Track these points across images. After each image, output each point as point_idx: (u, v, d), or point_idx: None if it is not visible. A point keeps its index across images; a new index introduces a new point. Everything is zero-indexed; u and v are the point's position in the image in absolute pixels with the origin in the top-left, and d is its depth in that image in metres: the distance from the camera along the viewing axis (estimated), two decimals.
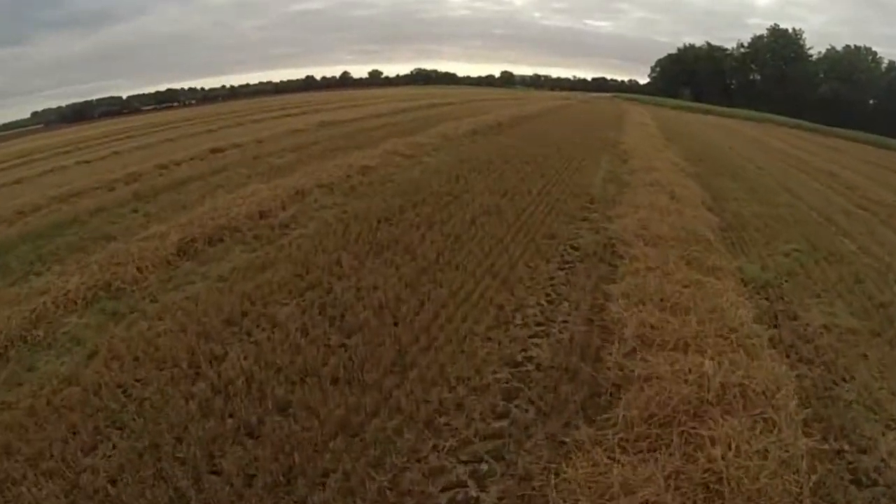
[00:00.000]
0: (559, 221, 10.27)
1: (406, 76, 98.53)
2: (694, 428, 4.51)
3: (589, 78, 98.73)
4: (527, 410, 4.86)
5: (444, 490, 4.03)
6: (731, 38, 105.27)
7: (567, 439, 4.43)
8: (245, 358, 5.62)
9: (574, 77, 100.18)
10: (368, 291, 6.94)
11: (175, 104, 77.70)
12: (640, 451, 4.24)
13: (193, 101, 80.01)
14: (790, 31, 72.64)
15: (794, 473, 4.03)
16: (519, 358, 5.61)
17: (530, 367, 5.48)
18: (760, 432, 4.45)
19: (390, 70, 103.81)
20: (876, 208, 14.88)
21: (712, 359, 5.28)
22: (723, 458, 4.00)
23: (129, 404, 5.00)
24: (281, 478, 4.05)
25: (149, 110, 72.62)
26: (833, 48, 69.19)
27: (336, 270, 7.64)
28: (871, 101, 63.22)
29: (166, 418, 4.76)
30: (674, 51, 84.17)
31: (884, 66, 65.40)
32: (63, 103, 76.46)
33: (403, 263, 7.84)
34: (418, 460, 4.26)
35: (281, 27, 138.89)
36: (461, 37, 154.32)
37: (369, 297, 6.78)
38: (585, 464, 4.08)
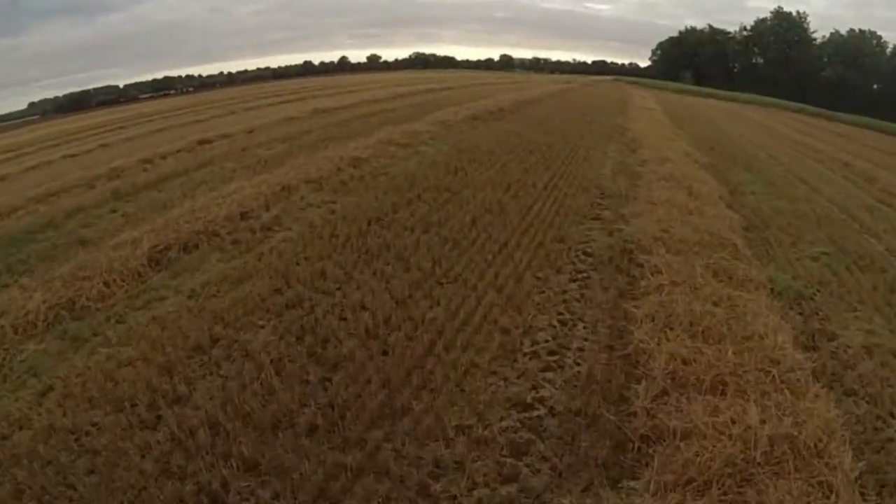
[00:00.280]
0: (569, 221, 9.41)
1: (405, 60, 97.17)
2: (740, 494, 3.77)
3: (589, 61, 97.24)
4: (539, 470, 4.07)
5: None
6: (731, 21, 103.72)
7: None
8: (211, 398, 4.84)
9: (574, 60, 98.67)
10: (354, 311, 6.11)
11: (172, 92, 76.93)
12: None
13: (191, 89, 79.13)
14: (794, 13, 71.31)
15: None
16: (529, 399, 4.79)
17: (542, 410, 4.67)
18: (816, 499, 3.74)
19: (389, 54, 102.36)
20: None
21: (755, 402, 4.54)
22: None
23: (82, 457, 4.34)
24: None
25: (145, 98, 71.57)
26: (837, 32, 68.10)
27: (319, 284, 6.79)
28: (875, 86, 62.19)
29: (120, 478, 4.07)
30: (675, 34, 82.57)
31: (889, 50, 64.27)
32: (60, 93, 75.65)
33: (395, 275, 7.00)
34: None
35: (278, 11, 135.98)
36: (461, 20, 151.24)
37: (355, 319, 5.95)
38: None
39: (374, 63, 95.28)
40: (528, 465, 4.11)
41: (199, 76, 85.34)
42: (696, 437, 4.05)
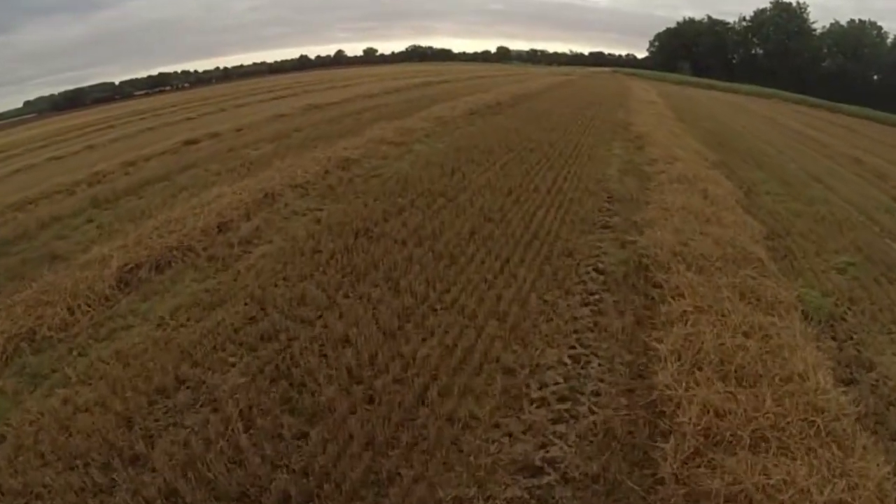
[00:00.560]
0: (576, 231, 8.65)
1: (401, 53, 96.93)
2: None
3: (586, 52, 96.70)
4: None
5: None
6: (730, 11, 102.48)
7: None
8: (171, 459, 4.15)
9: (571, 52, 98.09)
10: (336, 347, 5.37)
11: (168, 88, 76.88)
12: None
13: (186, 85, 79.07)
14: (793, 4, 70.53)
15: None
16: (537, 460, 4.08)
17: (553, 476, 3.97)
18: None
19: (385, 47, 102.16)
20: None
21: (801, 460, 3.90)
22: None
23: None
24: None
25: (141, 95, 70.83)
26: (837, 22, 67.70)
27: (298, 312, 6.05)
28: (875, 77, 61.64)
29: None
30: (672, 25, 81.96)
31: (889, 40, 63.65)
32: (55, 91, 75.69)
33: (383, 300, 6.26)
34: None
35: (274, 6, 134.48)
36: (457, 12, 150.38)
37: (337, 357, 5.21)
38: None
39: (370, 56, 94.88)
40: None
41: (195, 71, 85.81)
42: None
